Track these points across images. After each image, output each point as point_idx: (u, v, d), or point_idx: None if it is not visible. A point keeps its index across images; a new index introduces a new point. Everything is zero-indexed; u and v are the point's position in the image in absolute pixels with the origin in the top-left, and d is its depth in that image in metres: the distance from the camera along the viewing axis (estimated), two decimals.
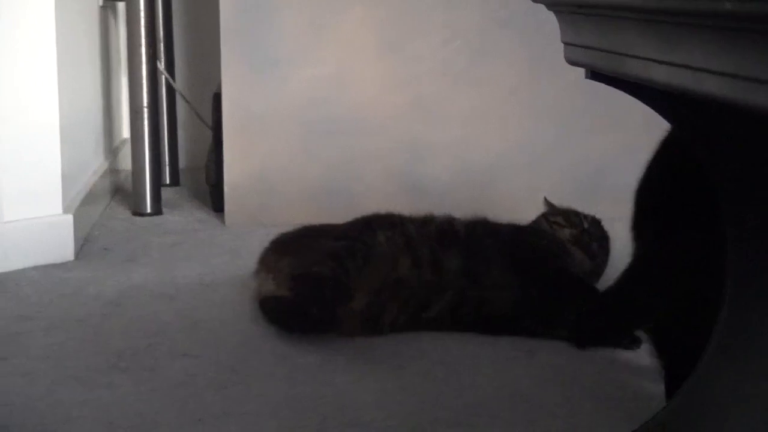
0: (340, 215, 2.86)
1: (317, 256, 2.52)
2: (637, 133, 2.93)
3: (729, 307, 1.62)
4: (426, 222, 2.71)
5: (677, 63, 1.07)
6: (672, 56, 1.08)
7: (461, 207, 2.85)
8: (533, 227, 2.87)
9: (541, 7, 1.51)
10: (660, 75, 1.13)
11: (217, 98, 3.81)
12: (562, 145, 3.80)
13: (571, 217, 2.85)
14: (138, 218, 3.80)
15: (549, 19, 1.51)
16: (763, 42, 0.90)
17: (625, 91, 1.42)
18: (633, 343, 2.43)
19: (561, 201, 3.00)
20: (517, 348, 2.44)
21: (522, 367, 2.34)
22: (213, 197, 3.92)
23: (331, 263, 2.48)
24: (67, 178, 3.24)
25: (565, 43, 1.46)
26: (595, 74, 1.42)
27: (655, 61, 1.13)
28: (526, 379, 2.26)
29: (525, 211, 3.01)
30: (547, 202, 2.94)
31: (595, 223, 2.85)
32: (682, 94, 1.14)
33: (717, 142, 1.45)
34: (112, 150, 4.34)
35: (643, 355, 2.38)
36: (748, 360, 1.64)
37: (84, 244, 3.35)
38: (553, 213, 2.89)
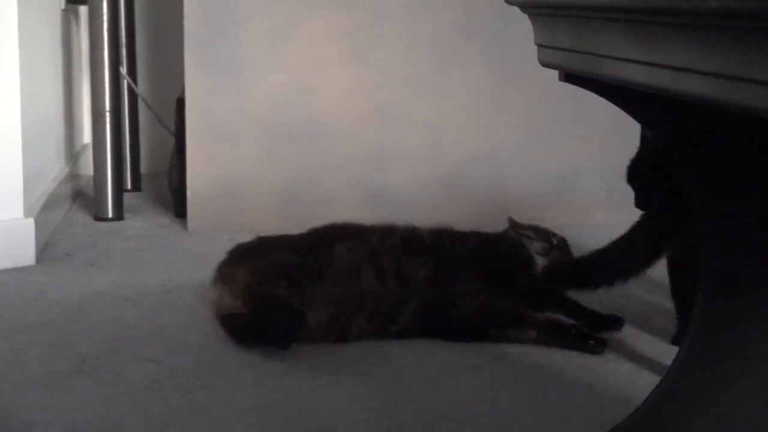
0: (302, 221, 2.85)
1: (271, 271, 2.51)
2: (600, 141, 2.97)
3: (699, 314, 1.62)
4: (388, 231, 2.71)
5: (656, 63, 1.07)
6: (651, 56, 1.08)
7: (425, 214, 2.85)
8: (503, 236, 2.88)
9: (505, 15, 1.51)
10: (637, 75, 1.13)
11: (180, 103, 3.79)
12: (526, 153, 3.81)
13: (540, 231, 2.87)
14: (100, 223, 3.77)
15: (512, 26, 1.52)
16: (747, 40, 0.90)
17: (598, 93, 1.43)
18: (597, 346, 2.45)
19: (525, 207, 3.01)
20: (483, 354, 2.44)
21: (489, 372, 2.34)
22: (175, 203, 3.89)
23: (285, 281, 2.47)
24: (28, 183, 3.21)
25: (539, 45, 1.46)
26: (568, 76, 1.42)
27: (632, 61, 1.13)
28: (494, 385, 2.26)
29: (489, 218, 3.01)
30: (511, 221, 2.94)
31: (563, 241, 2.87)
32: (655, 95, 1.14)
33: (688, 143, 1.45)
34: (73, 155, 4.30)
35: (609, 360, 2.39)
36: (716, 366, 1.64)
37: (45, 248, 3.32)
38: (522, 227, 2.89)
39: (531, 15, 1.47)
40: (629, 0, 1.07)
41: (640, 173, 2.66)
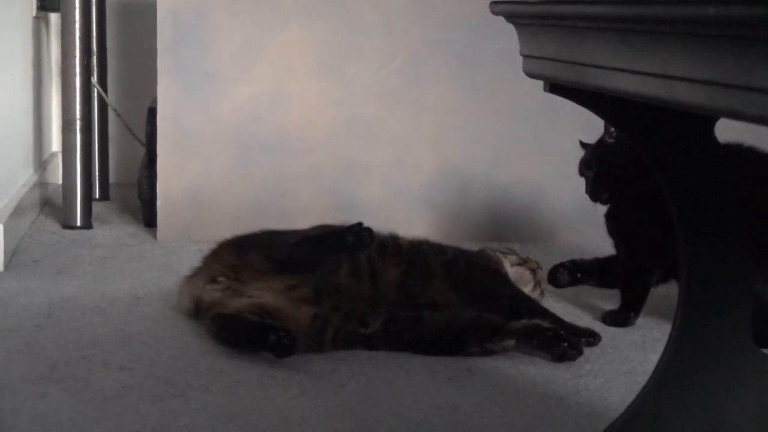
0: None
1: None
2: (572, 157, 2.97)
3: (678, 326, 1.63)
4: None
5: (650, 72, 1.07)
6: (645, 65, 1.08)
7: (396, 227, 2.84)
8: (481, 251, 2.89)
9: (480, 31, 1.51)
10: (630, 85, 1.13)
11: (151, 113, 3.77)
12: (497, 168, 3.82)
13: (514, 250, 2.89)
14: (68, 231, 3.74)
15: (486, 42, 1.52)
16: (744, 48, 0.90)
17: (584, 104, 1.43)
18: (572, 350, 2.48)
19: (496, 222, 3.02)
20: (456, 367, 2.43)
21: (462, 385, 2.33)
22: (145, 212, 3.87)
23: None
24: None
25: (524, 56, 1.46)
26: (554, 87, 1.42)
27: (624, 71, 1.13)
28: (467, 398, 2.26)
29: (459, 233, 3.01)
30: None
31: (535, 263, 2.89)
32: (644, 108, 1.14)
33: (671, 155, 1.46)
34: (41, 163, 4.27)
35: (582, 374, 2.39)
36: (694, 378, 1.65)
37: (13, 255, 3.29)
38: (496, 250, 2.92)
39: (516, 25, 1.46)
40: (622, 9, 1.07)
41: (595, 162, 2.78)
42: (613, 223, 2.85)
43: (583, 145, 2.95)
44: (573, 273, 2.83)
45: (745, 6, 0.85)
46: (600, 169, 2.80)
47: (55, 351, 2.44)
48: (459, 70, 3.75)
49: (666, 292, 2.71)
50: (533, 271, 2.84)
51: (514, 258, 2.85)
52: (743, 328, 1.63)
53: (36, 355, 2.41)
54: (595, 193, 2.81)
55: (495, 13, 1.49)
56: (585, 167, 2.85)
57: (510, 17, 1.47)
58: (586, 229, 3.49)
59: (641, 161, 2.68)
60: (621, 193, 2.80)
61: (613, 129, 2.73)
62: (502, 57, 3.46)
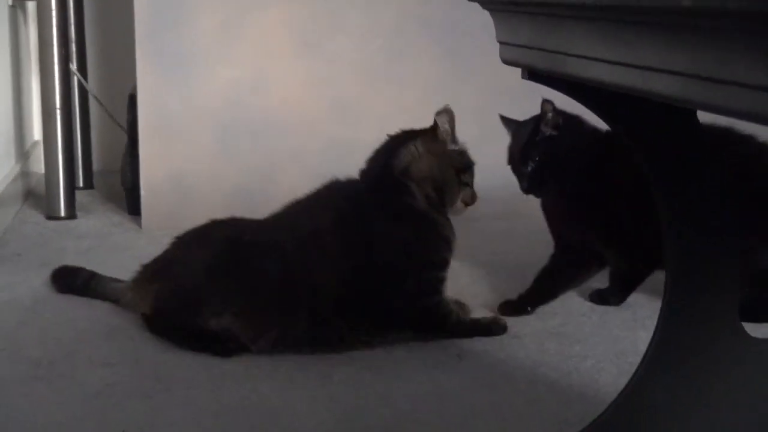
0: (257, 217, 2.80)
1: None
2: None
3: (665, 311, 1.61)
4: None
5: (626, 62, 1.05)
6: (620, 55, 1.06)
7: None
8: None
9: (462, 7, 1.48)
10: (605, 74, 1.11)
11: (132, 99, 3.73)
12: (482, 145, 3.78)
13: None
14: (51, 222, 3.71)
15: (469, 18, 1.49)
16: (719, 39, 0.88)
17: (564, 91, 1.40)
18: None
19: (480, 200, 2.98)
20: (445, 353, 2.42)
21: (451, 371, 2.31)
22: (128, 200, 3.84)
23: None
24: None
25: (501, 43, 1.44)
26: (532, 74, 1.39)
27: (600, 60, 1.11)
28: (456, 383, 2.24)
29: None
30: None
31: None
32: (625, 94, 1.12)
33: (655, 142, 1.43)
34: (23, 152, 4.24)
35: (571, 356, 2.37)
36: (683, 363, 1.63)
37: None
38: None
39: (492, 12, 1.44)
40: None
41: (531, 155, 2.65)
42: (581, 221, 2.73)
43: (506, 121, 2.80)
44: (520, 309, 2.72)
45: None
46: (543, 163, 2.65)
47: (39, 348, 2.41)
48: (442, 46, 3.73)
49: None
50: None
51: None
52: (731, 311, 1.61)
53: (19, 353, 2.39)
54: (532, 187, 2.68)
55: None
56: (522, 162, 2.69)
57: (485, 4, 1.44)
58: None
59: (592, 150, 2.65)
60: (577, 187, 2.69)
61: (552, 120, 2.64)
62: (484, 32, 3.42)
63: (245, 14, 3.64)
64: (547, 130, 2.64)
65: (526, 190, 2.67)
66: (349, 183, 2.58)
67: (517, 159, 2.67)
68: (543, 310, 2.71)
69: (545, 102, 2.63)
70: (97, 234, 3.57)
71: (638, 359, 1.70)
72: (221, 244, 2.51)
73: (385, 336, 2.45)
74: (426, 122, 3.71)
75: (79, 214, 3.81)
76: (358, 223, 2.48)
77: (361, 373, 2.29)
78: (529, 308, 2.69)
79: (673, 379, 1.61)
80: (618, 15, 1.02)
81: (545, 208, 2.75)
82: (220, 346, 2.36)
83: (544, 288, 2.72)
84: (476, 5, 1.49)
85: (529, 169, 2.64)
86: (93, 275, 2.78)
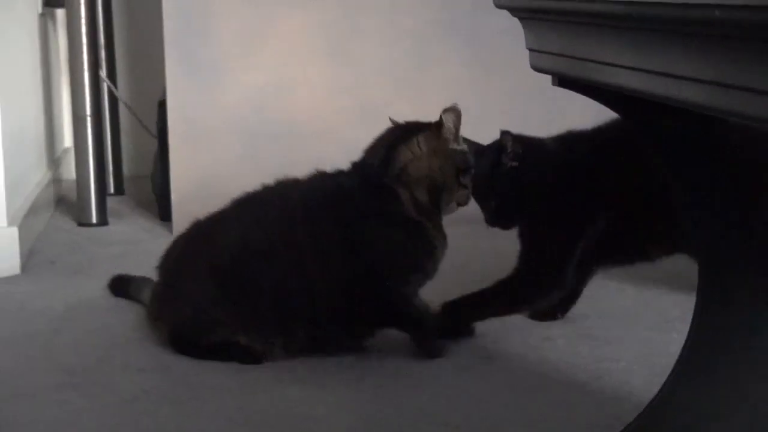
0: None
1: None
2: None
3: (699, 310, 1.61)
4: None
5: (655, 70, 1.05)
6: (650, 64, 1.06)
7: None
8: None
9: (486, 11, 1.48)
10: (635, 82, 1.11)
11: (162, 106, 3.75)
12: None
13: None
14: (83, 229, 3.74)
15: (493, 22, 1.49)
16: (747, 50, 0.88)
17: (594, 98, 1.40)
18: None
19: None
20: (474, 354, 2.42)
21: (480, 374, 2.31)
22: (160, 206, 3.86)
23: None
24: (10, 190, 3.18)
25: (531, 50, 1.44)
26: (562, 81, 1.39)
27: (630, 68, 1.11)
28: (486, 387, 2.24)
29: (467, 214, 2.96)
30: None
31: None
32: (655, 101, 1.12)
33: (683, 150, 1.43)
34: (54, 159, 4.27)
35: (603, 358, 2.37)
36: (719, 363, 1.63)
37: (29, 257, 3.29)
38: None
39: (522, 19, 1.44)
40: (626, 8, 1.05)
41: (494, 187, 2.52)
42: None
43: (468, 143, 2.57)
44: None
45: (750, 10, 0.83)
46: (506, 197, 2.53)
47: (73, 355, 2.43)
48: (466, 51, 3.73)
49: (677, 269, 2.66)
50: None
51: None
52: (765, 311, 1.60)
53: (53, 361, 2.40)
54: (496, 222, 2.55)
55: (499, 6, 1.47)
56: (483, 197, 2.54)
57: (515, 11, 1.44)
58: None
59: (555, 178, 2.54)
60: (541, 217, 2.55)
61: (513, 152, 2.52)
62: (511, 37, 3.42)
63: (271, 21, 3.65)
64: (508, 162, 2.54)
65: (491, 224, 2.56)
66: (337, 182, 2.55)
67: (480, 192, 2.54)
68: (574, 311, 2.70)
69: (504, 134, 2.52)
70: (129, 240, 3.59)
71: (670, 361, 1.70)
72: (216, 262, 2.45)
73: (374, 336, 2.46)
74: None
75: (110, 220, 3.83)
76: (344, 227, 2.46)
77: (391, 378, 2.29)
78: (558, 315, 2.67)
79: (710, 380, 1.60)
80: (648, 24, 1.02)
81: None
82: (248, 355, 2.36)
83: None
84: (503, 11, 1.49)
85: (493, 204, 2.54)
86: (144, 280, 2.79)
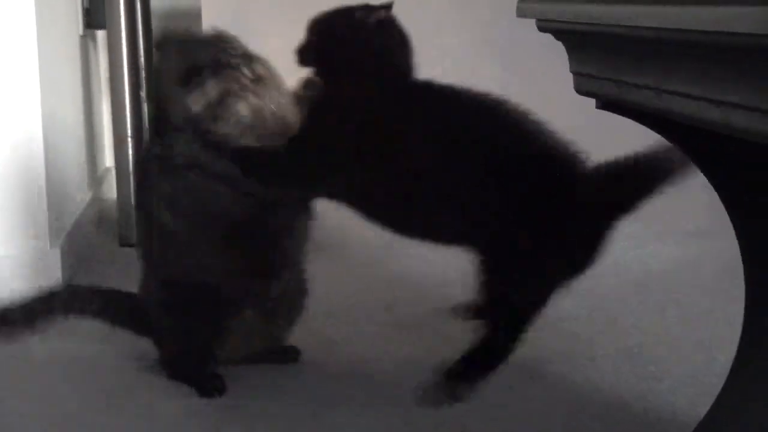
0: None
1: None
2: (636, 146, 2.92)
3: (746, 322, 1.59)
4: None
5: (704, 97, 1.05)
6: (699, 90, 1.05)
7: None
8: None
9: (524, 30, 1.48)
10: (683, 108, 1.10)
11: None
12: None
13: None
14: (125, 249, 3.75)
15: (530, 42, 1.48)
16: None
17: (640, 122, 1.39)
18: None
19: None
20: (518, 373, 2.39)
21: (524, 393, 2.30)
22: None
23: None
24: (52, 211, 3.19)
25: (574, 73, 1.43)
26: (606, 105, 1.39)
27: (678, 94, 1.10)
28: (529, 406, 2.23)
29: None
30: None
31: None
32: (702, 128, 1.11)
33: (733, 176, 1.42)
34: (95, 179, 4.29)
35: (646, 377, 2.36)
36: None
37: (72, 278, 3.30)
38: None
39: (565, 42, 1.44)
40: (673, 33, 1.04)
41: None
42: None
43: None
44: None
45: None
46: None
47: (117, 377, 2.44)
48: (508, 71, 3.73)
49: (721, 287, 2.64)
50: None
51: None
52: None
53: (97, 382, 2.41)
54: None
55: (542, 30, 1.47)
56: None
57: (558, 35, 1.44)
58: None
59: None
60: None
61: None
62: (552, 56, 3.43)
63: None
64: None
65: None
66: None
67: None
68: (618, 329, 2.68)
69: None
70: None
71: (714, 381, 1.69)
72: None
73: None
74: None
75: None
76: None
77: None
78: None
79: (760, 399, 1.58)
80: (699, 51, 1.01)
81: None
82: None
83: None
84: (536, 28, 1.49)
85: None
86: None
